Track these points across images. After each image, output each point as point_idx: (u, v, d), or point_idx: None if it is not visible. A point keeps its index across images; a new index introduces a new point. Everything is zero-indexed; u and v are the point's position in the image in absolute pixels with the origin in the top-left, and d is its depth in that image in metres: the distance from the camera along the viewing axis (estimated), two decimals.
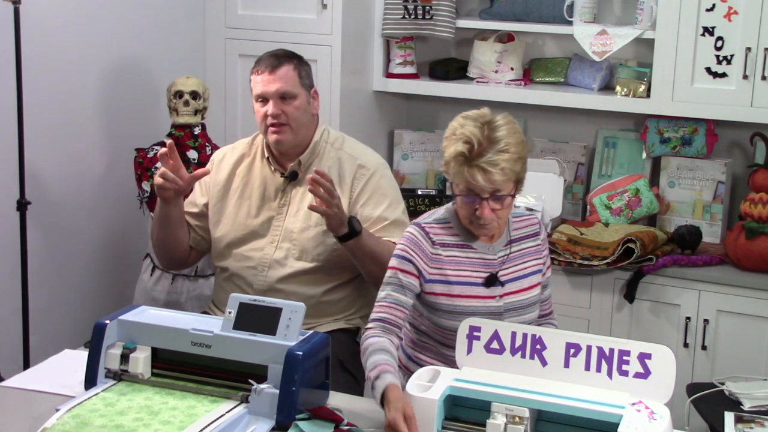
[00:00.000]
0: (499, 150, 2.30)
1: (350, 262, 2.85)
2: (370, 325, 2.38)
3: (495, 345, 2.27)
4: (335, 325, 2.91)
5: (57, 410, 2.20)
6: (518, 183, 2.39)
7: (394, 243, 2.80)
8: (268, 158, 2.93)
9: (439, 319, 2.48)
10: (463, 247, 2.46)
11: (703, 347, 3.48)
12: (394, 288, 2.40)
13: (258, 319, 2.30)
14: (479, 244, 2.47)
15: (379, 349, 2.29)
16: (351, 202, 2.88)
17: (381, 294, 2.41)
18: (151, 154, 3.59)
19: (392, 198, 2.93)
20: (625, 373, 2.16)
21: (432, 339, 2.52)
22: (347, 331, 2.93)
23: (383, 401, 2.16)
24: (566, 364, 2.22)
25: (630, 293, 3.51)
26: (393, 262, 2.43)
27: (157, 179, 2.76)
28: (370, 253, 2.78)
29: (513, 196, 2.40)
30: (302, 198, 2.90)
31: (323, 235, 2.86)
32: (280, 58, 2.86)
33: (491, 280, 2.46)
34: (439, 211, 2.51)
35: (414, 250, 2.42)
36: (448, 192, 2.47)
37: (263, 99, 2.84)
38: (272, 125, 2.83)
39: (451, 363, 2.33)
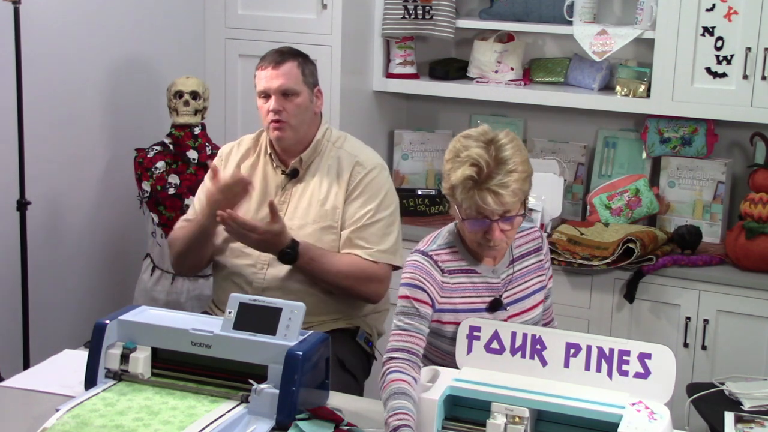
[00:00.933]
0: (508, 171, 2.23)
1: None
2: (394, 354, 2.28)
3: (495, 345, 2.27)
4: (335, 325, 2.91)
5: (57, 410, 2.20)
6: (525, 201, 2.34)
7: (357, 256, 2.84)
8: (270, 155, 2.94)
9: (441, 344, 2.43)
10: (469, 272, 2.40)
11: (703, 347, 3.48)
12: (412, 317, 2.31)
13: (258, 319, 2.30)
14: (483, 267, 2.41)
15: (404, 393, 2.16)
16: (345, 199, 2.90)
17: (399, 323, 2.32)
18: (151, 154, 3.59)
19: (383, 198, 2.91)
20: (625, 373, 2.16)
21: (429, 360, 2.46)
22: (347, 330, 2.93)
23: None
24: (566, 364, 2.22)
25: (630, 293, 3.51)
26: (406, 291, 2.34)
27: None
28: (312, 276, 2.85)
29: (522, 216, 2.33)
30: (302, 195, 2.90)
31: (321, 232, 2.87)
32: (284, 54, 2.87)
33: (495, 305, 2.41)
34: (442, 235, 2.44)
35: (427, 279, 2.35)
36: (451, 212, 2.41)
37: (266, 95, 2.86)
38: (273, 122, 2.85)
39: None
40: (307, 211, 2.89)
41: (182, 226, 3.00)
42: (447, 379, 2.21)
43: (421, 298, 2.33)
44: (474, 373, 2.24)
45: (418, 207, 4.03)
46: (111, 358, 2.35)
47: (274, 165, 2.95)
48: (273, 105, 2.83)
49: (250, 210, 2.92)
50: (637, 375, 2.17)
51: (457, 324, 2.35)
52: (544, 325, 2.58)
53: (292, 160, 2.93)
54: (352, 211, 2.89)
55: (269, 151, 2.95)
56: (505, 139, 2.27)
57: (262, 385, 2.22)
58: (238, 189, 2.78)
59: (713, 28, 3.54)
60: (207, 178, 3.02)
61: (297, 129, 2.87)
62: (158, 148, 3.62)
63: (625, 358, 2.17)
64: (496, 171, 2.23)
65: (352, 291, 2.87)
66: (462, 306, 2.39)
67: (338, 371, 2.77)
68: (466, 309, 2.39)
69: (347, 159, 2.93)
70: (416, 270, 2.36)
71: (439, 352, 2.46)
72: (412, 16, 4.00)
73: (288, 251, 2.78)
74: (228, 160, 3.01)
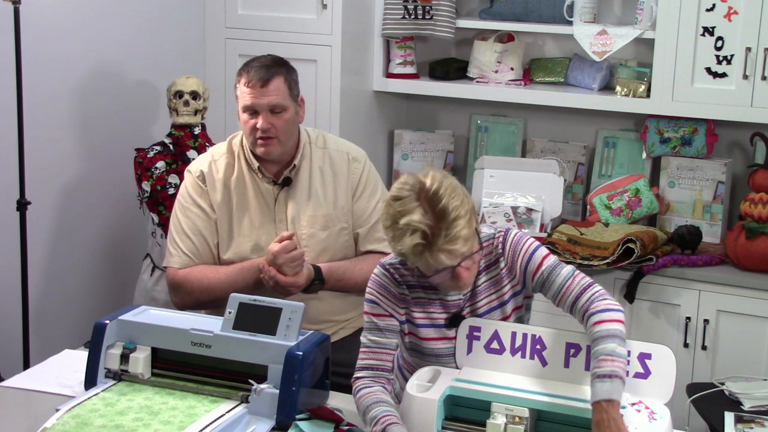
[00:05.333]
0: (452, 221, 2.11)
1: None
2: (359, 374, 2.29)
3: (495, 345, 2.27)
4: None
5: (57, 410, 2.20)
6: (478, 232, 2.24)
7: (379, 252, 2.85)
8: (259, 168, 2.85)
9: (403, 353, 2.45)
10: (427, 289, 2.35)
11: (703, 347, 3.48)
12: (374, 333, 2.31)
13: (258, 319, 2.30)
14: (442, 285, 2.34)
15: (376, 402, 2.19)
16: (352, 197, 2.90)
17: (363, 340, 2.33)
18: (151, 154, 3.59)
19: (381, 186, 2.96)
20: (625, 373, 2.16)
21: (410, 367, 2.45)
22: None
23: None
24: (566, 364, 2.22)
25: (630, 293, 3.51)
26: (365, 307, 2.34)
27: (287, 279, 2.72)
28: (340, 291, 2.85)
29: (481, 248, 2.26)
30: (300, 204, 2.87)
31: (333, 237, 2.87)
32: (270, 69, 2.78)
33: (454, 321, 2.34)
34: None
35: (381, 293, 2.32)
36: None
37: (253, 111, 2.78)
38: (261, 138, 2.78)
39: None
40: (313, 219, 2.86)
41: (207, 276, 2.82)
42: (447, 379, 2.21)
43: (378, 312, 2.32)
44: (474, 373, 2.24)
45: None
46: (111, 358, 2.35)
47: (260, 176, 2.86)
48: (261, 123, 2.76)
49: (254, 223, 2.86)
50: (637, 375, 2.17)
51: (418, 338, 2.35)
52: (586, 311, 2.20)
53: (279, 169, 2.87)
54: (361, 207, 2.90)
55: (256, 164, 2.85)
56: (435, 185, 2.13)
57: (262, 385, 2.23)
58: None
59: (713, 28, 3.54)
60: (189, 205, 2.87)
61: (284, 143, 2.82)
62: (158, 148, 3.62)
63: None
64: (439, 227, 2.12)
65: None
66: (421, 320, 2.35)
67: None
68: (426, 324, 2.35)
69: (339, 157, 2.92)
70: (372, 284, 2.34)
71: (403, 360, 2.47)
72: (412, 16, 4.00)
73: (316, 282, 2.78)
74: (213, 180, 2.87)
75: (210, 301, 2.84)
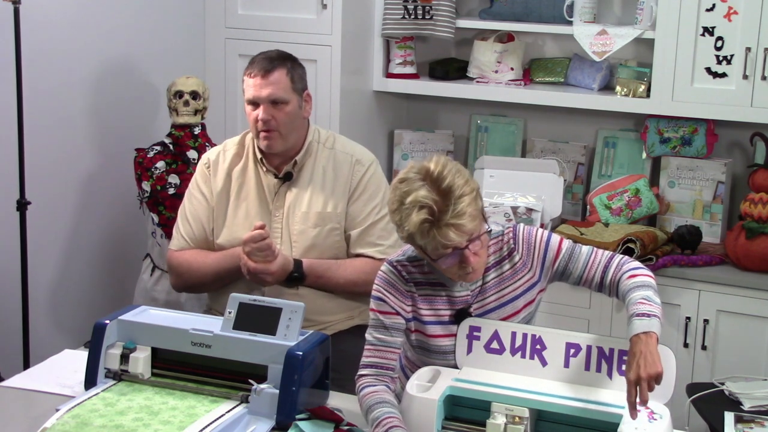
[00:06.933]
0: (457, 198, 2.14)
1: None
2: (363, 371, 2.30)
3: (495, 345, 2.27)
4: (351, 323, 2.92)
5: (57, 410, 2.20)
6: (484, 216, 2.26)
7: (368, 256, 2.86)
8: (261, 160, 2.91)
9: (407, 351, 2.45)
10: (435, 285, 2.35)
11: (703, 347, 3.48)
12: (379, 330, 2.32)
13: (258, 319, 2.30)
14: (451, 281, 2.35)
15: (379, 402, 2.20)
16: (349, 199, 2.90)
17: (368, 337, 2.33)
18: (151, 154, 3.59)
19: (384, 193, 2.94)
20: (625, 373, 2.16)
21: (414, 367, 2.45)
22: (363, 327, 2.92)
23: None
24: (566, 364, 2.22)
25: None
26: (372, 304, 2.35)
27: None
28: (322, 290, 2.86)
29: (488, 232, 2.27)
30: (297, 200, 2.89)
31: (323, 236, 2.87)
32: (273, 61, 2.83)
33: (460, 317, 2.34)
34: (412, 247, 2.36)
35: (388, 290, 2.33)
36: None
37: (254, 103, 2.82)
38: (262, 130, 2.82)
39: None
40: (306, 216, 2.87)
41: (196, 260, 2.92)
42: (447, 379, 2.21)
43: (384, 309, 2.32)
44: (474, 373, 2.24)
45: None
46: (111, 358, 2.35)
47: (265, 169, 2.91)
48: (262, 114, 2.80)
49: (249, 214, 2.90)
50: None
51: (425, 335, 2.35)
52: (605, 281, 2.32)
53: (282, 163, 2.90)
54: (357, 210, 2.90)
55: (259, 156, 2.91)
56: (439, 167, 2.17)
57: (262, 385, 2.23)
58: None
59: (713, 28, 3.54)
60: (194, 191, 2.97)
61: (286, 137, 2.85)
62: (158, 148, 3.62)
63: (625, 358, 2.17)
64: (446, 204, 2.15)
65: (366, 294, 2.85)
66: (428, 318, 2.34)
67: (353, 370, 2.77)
68: (432, 321, 2.35)
69: (344, 158, 2.93)
70: (379, 281, 2.35)
71: (407, 360, 2.47)
72: (412, 16, 4.00)
73: (295, 275, 2.80)
74: (217, 168, 2.95)
75: (198, 285, 2.99)
